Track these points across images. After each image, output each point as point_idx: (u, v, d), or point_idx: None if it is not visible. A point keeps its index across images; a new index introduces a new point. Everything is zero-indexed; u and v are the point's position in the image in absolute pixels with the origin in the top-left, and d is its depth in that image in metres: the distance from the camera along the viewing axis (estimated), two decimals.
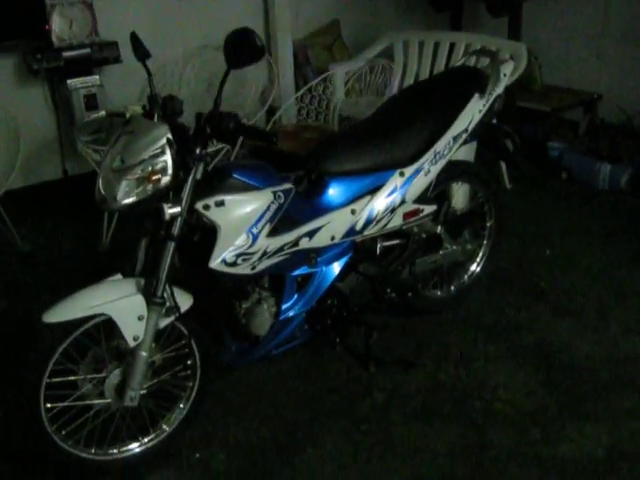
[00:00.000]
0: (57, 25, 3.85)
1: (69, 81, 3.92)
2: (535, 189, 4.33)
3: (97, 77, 3.99)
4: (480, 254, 3.02)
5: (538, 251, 3.55)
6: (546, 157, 4.52)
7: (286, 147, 3.44)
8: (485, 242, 3.02)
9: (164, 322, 2.10)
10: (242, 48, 1.87)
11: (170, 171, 1.94)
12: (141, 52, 2.17)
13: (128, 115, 2.11)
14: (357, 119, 4.05)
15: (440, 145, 2.51)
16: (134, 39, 2.17)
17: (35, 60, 3.81)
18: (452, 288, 3.00)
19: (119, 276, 2.14)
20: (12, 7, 3.73)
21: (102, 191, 1.98)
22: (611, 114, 4.80)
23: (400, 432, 2.36)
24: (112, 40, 4.01)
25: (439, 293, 2.97)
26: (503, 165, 4.14)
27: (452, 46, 4.26)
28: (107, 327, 2.07)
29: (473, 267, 3.03)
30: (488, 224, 3.00)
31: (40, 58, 3.81)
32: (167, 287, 2.04)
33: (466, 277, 3.03)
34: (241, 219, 2.09)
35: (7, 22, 3.77)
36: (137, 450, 2.26)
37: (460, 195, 3.08)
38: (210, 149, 2.03)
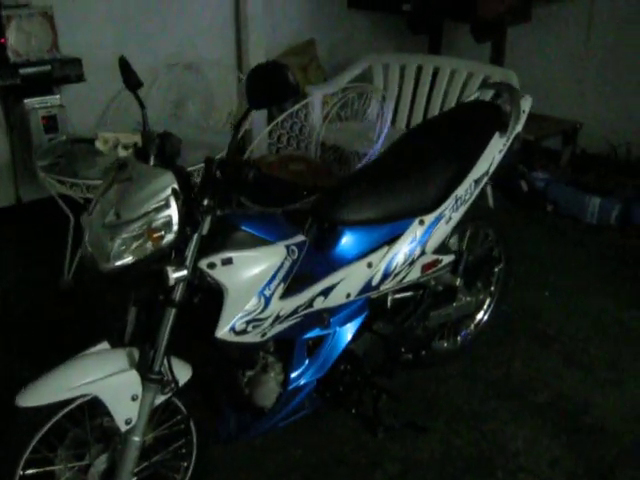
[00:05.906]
0: (14, 39, 3.47)
1: (26, 100, 3.55)
2: (521, 222, 4.14)
3: (57, 97, 3.62)
4: (487, 302, 2.80)
5: (537, 293, 3.36)
6: (531, 188, 4.35)
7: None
8: (493, 288, 2.80)
9: (160, 399, 1.79)
10: (270, 85, 1.59)
11: (175, 227, 1.63)
12: (132, 80, 1.86)
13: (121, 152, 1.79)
14: (344, 149, 3.81)
15: (461, 190, 2.27)
16: (124, 65, 1.86)
17: None
18: (458, 339, 2.77)
19: (106, 345, 1.81)
20: None
21: (90, 250, 1.66)
22: (592, 144, 4.69)
23: None
24: (75, 57, 3.64)
25: (445, 345, 2.73)
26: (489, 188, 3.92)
27: (435, 71, 4.11)
28: (90, 405, 1.75)
29: (480, 315, 2.80)
30: (496, 269, 2.78)
31: None
32: (165, 359, 1.74)
33: (472, 326, 2.80)
34: (252, 279, 1.80)
35: None
36: None
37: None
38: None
